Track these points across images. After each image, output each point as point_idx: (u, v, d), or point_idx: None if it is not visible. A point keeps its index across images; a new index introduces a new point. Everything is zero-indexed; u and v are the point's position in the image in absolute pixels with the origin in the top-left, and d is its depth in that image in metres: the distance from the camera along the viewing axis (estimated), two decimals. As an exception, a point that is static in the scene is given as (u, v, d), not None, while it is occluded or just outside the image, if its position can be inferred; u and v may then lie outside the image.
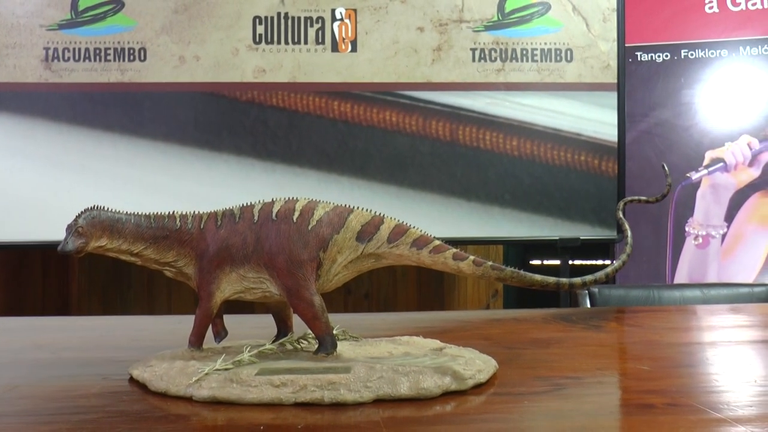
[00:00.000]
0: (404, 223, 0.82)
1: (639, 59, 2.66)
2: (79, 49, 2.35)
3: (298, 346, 0.85)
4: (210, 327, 0.86)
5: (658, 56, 2.66)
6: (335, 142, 2.38)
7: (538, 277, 0.76)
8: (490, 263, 0.77)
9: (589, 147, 2.34)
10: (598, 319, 1.20)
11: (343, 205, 0.85)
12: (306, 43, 2.35)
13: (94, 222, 0.80)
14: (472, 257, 0.78)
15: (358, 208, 0.84)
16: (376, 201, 2.36)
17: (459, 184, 2.35)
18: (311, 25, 2.36)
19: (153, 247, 0.83)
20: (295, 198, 0.85)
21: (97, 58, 2.34)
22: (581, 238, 2.33)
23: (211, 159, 2.37)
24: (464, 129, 2.36)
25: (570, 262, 2.44)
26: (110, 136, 2.34)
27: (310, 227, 0.81)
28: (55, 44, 2.35)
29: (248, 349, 0.80)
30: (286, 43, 2.35)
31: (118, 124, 2.34)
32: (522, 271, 0.76)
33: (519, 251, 3.38)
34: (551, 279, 0.76)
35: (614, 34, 2.36)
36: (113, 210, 0.82)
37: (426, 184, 2.36)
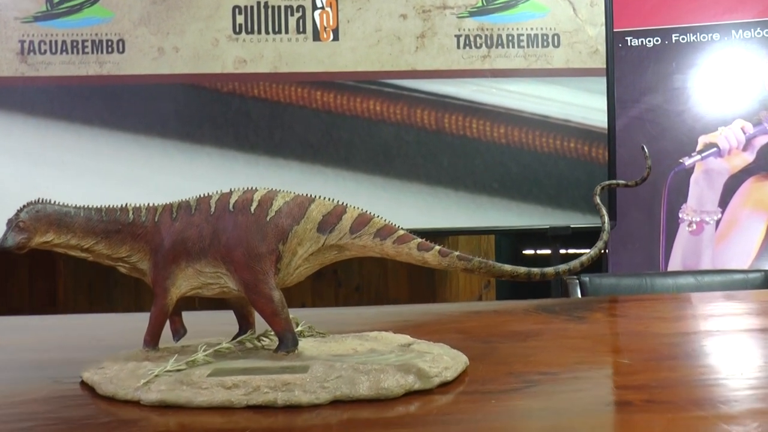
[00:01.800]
0: (368, 213, 0.77)
1: (629, 44, 2.61)
2: (56, 42, 2.30)
3: (258, 344, 0.80)
4: (169, 325, 0.82)
5: (649, 41, 2.62)
6: (319, 132, 2.34)
7: (507, 267, 0.72)
8: (457, 254, 0.73)
9: (579, 133, 2.30)
10: (582, 309, 1.15)
11: (305, 194, 0.80)
12: (287, 32, 2.31)
13: (38, 216, 0.75)
14: (437, 247, 0.74)
15: (319, 197, 0.79)
16: (362, 192, 2.32)
17: (446, 173, 2.31)
18: (292, 14, 2.31)
19: (105, 242, 0.79)
20: (253, 188, 0.81)
21: (75, 50, 2.30)
22: (572, 226, 2.29)
23: (193, 152, 2.33)
24: (450, 117, 2.31)
25: (563, 251, 2.40)
26: (90, 130, 2.30)
27: (268, 218, 0.77)
28: (30, 37, 2.30)
29: (203, 348, 0.75)
30: (267, 32, 2.31)
31: (97, 117, 2.30)
32: (491, 262, 0.71)
33: (511, 241, 3.34)
34: (522, 269, 0.71)
35: (602, 19, 2.31)
36: (61, 203, 0.78)
37: (412, 174, 2.31)
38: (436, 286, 3.05)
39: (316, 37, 2.31)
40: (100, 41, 2.30)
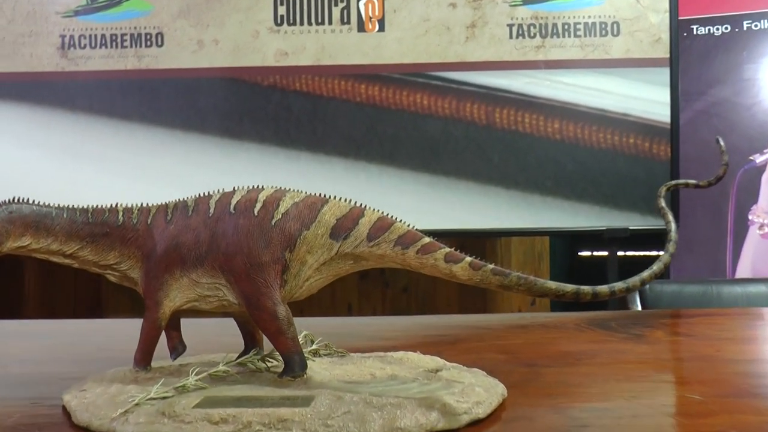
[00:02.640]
0: (389, 216, 0.66)
1: (695, 33, 2.44)
2: (95, 36, 2.26)
3: (262, 366, 0.70)
4: (165, 340, 0.72)
5: (717, 29, 2.44)
6: (363, 127, 2.23)
7: (552, 284, 0.60)
8: (491, 267, 0.61)
9: (639, 128, 2.14)
10: (642, 325, 1.02)
11: (317, 194, 0.70)
12: (330, 23, 2.21)
13: (12, 218, 0.66)
14: (468, 259, 0.62)
15: (334, 198, 0.69)
16: (407, 190, 2.21)
17: (496, 170, 2.18)
18: (335, 4, 2.21)
19: (91, 247, 0.70)
20: (260, 186, 0.71)
21: (114, 44, 2.25)
22: (630, 228, 2.13)
23: (233, 147, 2.25)
24: (501, 111, 2.18)
25: (621, 253, 2.25)
26: (128, 125, 2.25)
27: (273, 222, 0.67)
28: (71, 31, 2.26)
29: (195, 371, 0.65)
30: (309, 23, 2.22)
31: (136, 112, 2.24)
32: (531, 278, 0.60)
33: (566, 242, 3.18)
34: (569, 288, 0.60)
35: (666, 5, 2.15)
36: (40, 203, 0.69)
37: (460, 171, 2.19)
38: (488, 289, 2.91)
39: (361, 27, 2.21)
40: (139, 35, 2.25)
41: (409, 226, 0.66)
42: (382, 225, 0.66)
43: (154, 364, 0.71)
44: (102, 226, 0.70)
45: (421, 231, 0.66)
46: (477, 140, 2.19)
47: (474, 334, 1.01)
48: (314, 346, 0.76)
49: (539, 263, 2.93)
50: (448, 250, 0.63)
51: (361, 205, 0.68)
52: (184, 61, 2.23)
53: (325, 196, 0.69)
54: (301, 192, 0.70)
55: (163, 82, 2.22)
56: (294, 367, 0.66)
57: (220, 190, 0.71)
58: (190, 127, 2.23)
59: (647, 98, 2.15)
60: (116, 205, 0.71)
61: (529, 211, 2.19)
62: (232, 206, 0.68)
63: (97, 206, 0.70)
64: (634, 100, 2.14)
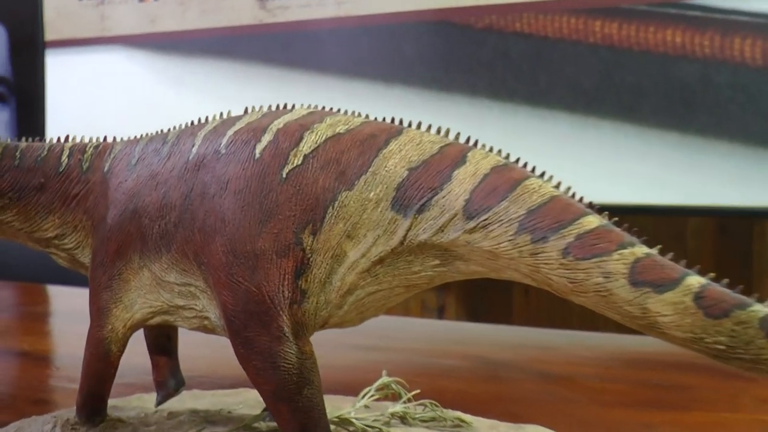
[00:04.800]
0: (521, 169, 0.30)
1: None
2: (295, -17, 2.15)
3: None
4: (151, 368, 0.43)
5: None
6: (596, 75, 1.82)
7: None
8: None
9: None
10: None
11: (383, 121, 0.35)
12: (558, -55, 1.86)
13: None
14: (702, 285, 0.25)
15: (419, 127, 0.34)
16: (651, 153, 1.81)
17: (774, 128, 1.70)
18: None
19: (16, 208, 0.41)
20: (287, 106, 0.38)
21: (313, -9, 2.13)
22: None
23: (439, 100, 1.97)
24: (785, 48, 1.70)
25: None
26: (325, 79, 2.12)
27: (285, 172, 0.34)
28: (271, -20, 2.17)
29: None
30: (532, -52, 1.89)
31: (334, 64, 2.09)
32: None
33: None
34: None
35: None
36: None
37: (722, 130, 1.74)
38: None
39: (596, -51, 1.85)
40: (339, -22, 2.10)
41: (571, 195, 0.29)
42: (505, 182, 0.30)
43: (122, 404, 0.42)
44: (33, 174, 0.41)
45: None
46: (748, 88, 1.70)
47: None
48: (397, 408, 0.42)
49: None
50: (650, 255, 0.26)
51: (469, 142, 0.33)
52: (387, 4, 2.02)
53: (398, 125, 0.35)
54: (353, 116, 0.35)
55: (364, 30, 2.02)
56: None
57: (224, 114, 0.39)
58: (392, 79, 2.01)
59: None
60: (61, 139, 0.42)
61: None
62: (223, 142, 0.36)
63: (30, 142, 0.42)
64: None
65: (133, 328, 0.40)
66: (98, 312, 0.39)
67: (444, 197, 0.32)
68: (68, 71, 2.43)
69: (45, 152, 0.41)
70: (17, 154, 0.42)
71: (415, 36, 2.01)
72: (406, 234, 0.32)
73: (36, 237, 0.43)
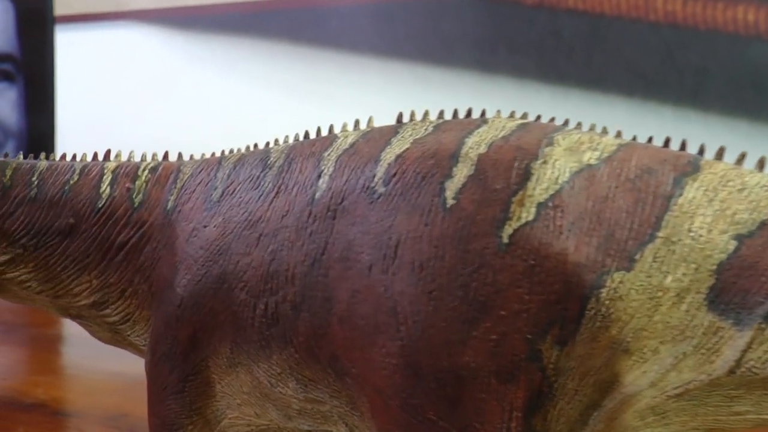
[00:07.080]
0: None
1: None
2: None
3: None
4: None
5: None
6: (657, 56, 1.73)
7: None
8: None
9: None
10: None
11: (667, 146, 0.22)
12: None
13: None
14: None
15: (708, 158, 0.23)
16: (714, 143, 1.69)
17: None
18: None
19: (35, 261, 0.27)
20: (471, 114, 0.28)
21: (346, -38, 2.06)
22: None
23: (483, 83, 1.89)
24: None
25: None
26: (358, 58, 2.08)
27: (506, 234, 0.18)
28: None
29: None
30: None
31: (366, 44, 2.03)
32: None
33: None
34: None
35: None
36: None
37: (801, 117, 1.67)
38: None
39: None
40: (375, -53, 2.03)
41: None
42: None
43: None
44: (59, 210, 0.28)
45: None
46: (829, 71, 1.62)
47: None
48: None
49: None
50: None
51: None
52: (428, -24, 1.95)
53: (690, 152, 0.24)
54: (606, 135, 0.21)
55: (401, 6, 1.93)
56: None
57: (360, 123, 0.24)
58: (432, 59, 1.92)
59: None
60: (99, 156, 0.27)
61: None
62: (378, 174, 0.21)
63: (54, 160, 0.27)
64: None
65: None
66: (162, 428, 0.25)
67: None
68: (79, 48, 2.36)
69: (76, 177, 0.27)
70: (34, 179, 0.27)
71: (456, 13, 1.94)
72: (741, 356, 0.18)
73: (63, 304, 0.28)
